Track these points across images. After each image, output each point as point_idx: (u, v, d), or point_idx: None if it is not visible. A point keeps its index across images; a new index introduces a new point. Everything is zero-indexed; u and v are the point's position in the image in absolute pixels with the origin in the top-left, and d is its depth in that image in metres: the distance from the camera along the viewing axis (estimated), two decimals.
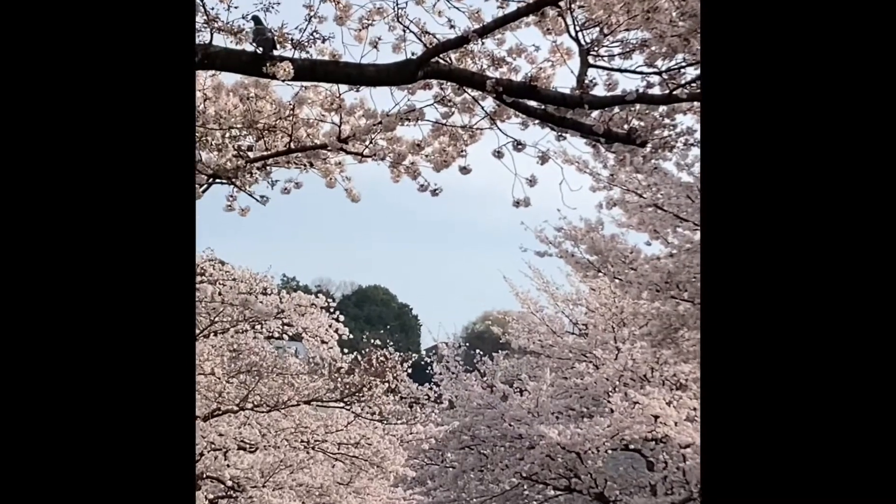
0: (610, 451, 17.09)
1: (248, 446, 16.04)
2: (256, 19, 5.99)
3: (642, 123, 6.42)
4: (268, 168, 7.03)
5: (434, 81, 6.60)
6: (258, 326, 15.79)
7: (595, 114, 6.38)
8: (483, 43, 6.38)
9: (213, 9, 5.87)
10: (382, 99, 15.50)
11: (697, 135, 6.22)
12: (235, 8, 5.91)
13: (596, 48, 6.43)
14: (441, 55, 6.26)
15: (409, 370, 17.81)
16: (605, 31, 6.39)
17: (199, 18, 5.89)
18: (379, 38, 6.47)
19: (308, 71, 6.14)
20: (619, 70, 6.36)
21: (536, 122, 6.58)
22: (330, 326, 16.52)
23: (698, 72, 5.81)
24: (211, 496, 16.46)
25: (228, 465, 15.71)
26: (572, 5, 6.27)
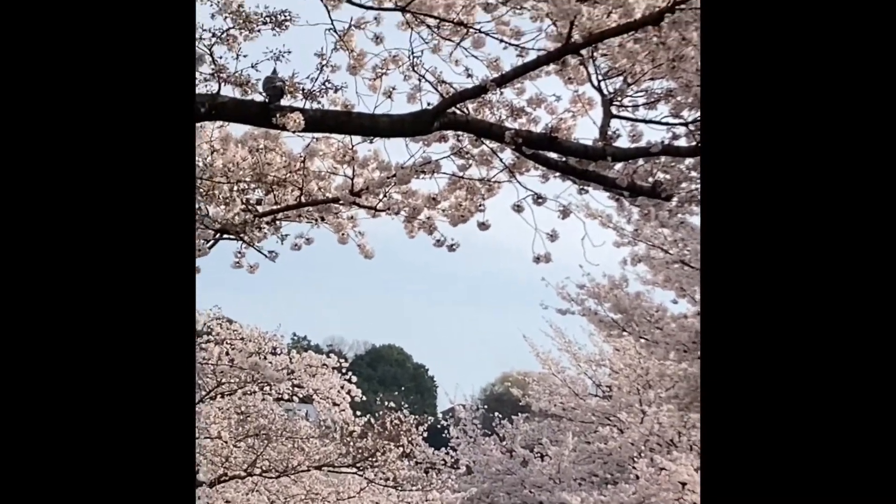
0: None
1: None
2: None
3: (668, 176, 6.18)
4: (277, 223, 6.83)
5: (451, 133, 6.42)
6: (267, 388, 15.52)
7: (618, 166, 6.15)
8: (502, 93, 6.21)
9: (220, 58, 5.67)
10: (397, 151, 15.32)
11: None
12: (244, 57, 5.72)
13: (619, 98, 6.23)
14: (458, 105, 6.06)
15: (425, 434, 17.54)
16: (629, 80, 6.19)
17: (207, 68, 5.71)
18: (393, 88, 6.31)
19: (319, 122, 5.94)
20: (644, 121, 6.16)
21: (557, 174, 6.38)
22: (342, 388, 16.26)
23: None
24: None
25: None
26: (594, 54, 6.08)
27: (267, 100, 5.76)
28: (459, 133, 6.41)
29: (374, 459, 16.20)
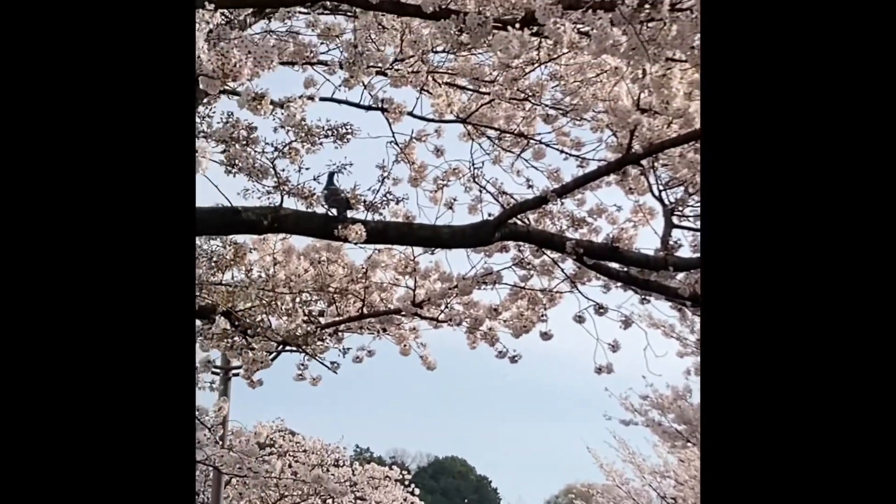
0: None
1: None
2: (330, 180, 5.85)
3: None
4: (340, 334, 6.83)
5: (512, 243, 6.42)
6: (330, 501, 15.37)
7: (680, 276, 6.09)
8: (562, 203, 6.20)
9: (283, 171, 5.74)
10: (458, 262, 15.35)
11: None
12: (306, 170, 5.77)
13: (680, 208, 6.20)
14: (519, 216, 6.05)
15: None
16: (690, 189, 6.17)
17: (270, 181, 5.77)
18: (454, 199, 6.34)
19: (381, 233, 5.94)
20: None
21: (619, 284, 6.34)
22: (405, 500, 16.11)
23: None
24: None
25: None
26: (655, 164, 6.08)
27: (329, 212, 5.79)
28: (521, 243, 6.40)
29: None
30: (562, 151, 6.32)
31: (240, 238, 6.32)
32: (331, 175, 5.83)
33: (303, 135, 5.35)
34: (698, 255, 6.06)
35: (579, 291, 6.44)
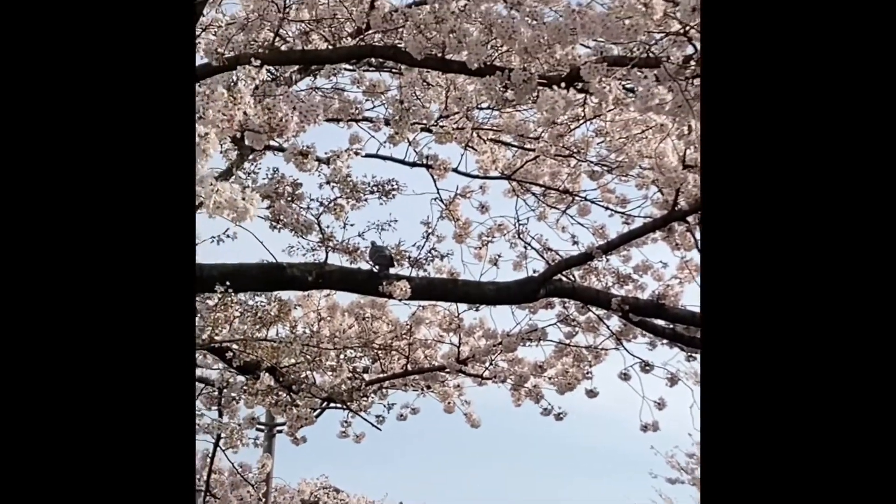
0: None
1: None
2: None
3: None
4: (384, 391, 6.81)
5: (557, 300, 6.40)
6: None
7: None
8: (608, 259, 6.18)
9: (328, 227, 5.75)
10: (503, 318, 15.35)
11: None
12: (351, 225, 5.79)
13: None
14: (564, 272, 6.03)
15: None
16: None
17: (315, 237, 5.78)
18: (499, 256, 6.35)
19: (426, 290, 5.94)
20: None
21: (665, 341, 6.29)
22: None
23: None
24: None
25: None
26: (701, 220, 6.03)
27: (373, 268, 5.80)
28: (566, 300, 6.38)
29: None
30: (607, 208, 6.30)
31: (284, 294, 6.33)
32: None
33: (348, 191, 5.37)
34: None
35: (625, 349, 6.41)
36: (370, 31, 4.90)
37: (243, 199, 3.13)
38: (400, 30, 4.77)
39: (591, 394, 6.54)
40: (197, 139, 2.96)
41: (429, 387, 6.96)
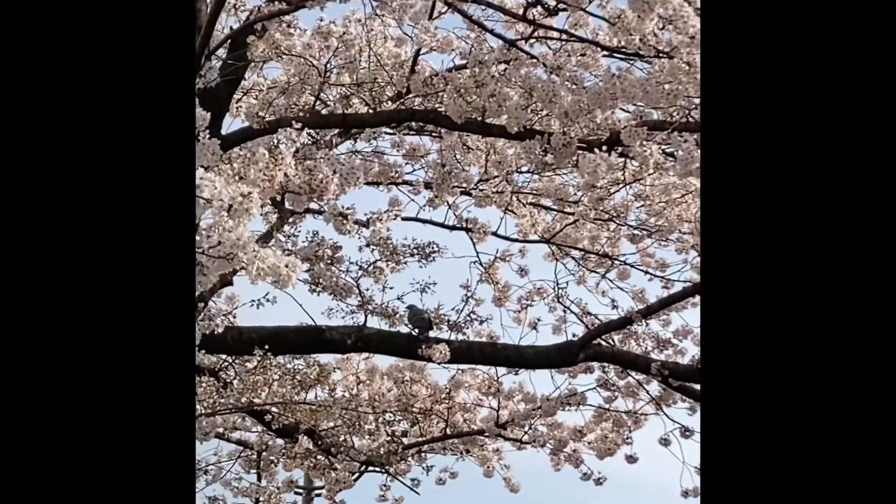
0: None
1: None
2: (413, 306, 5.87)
3: None
4: (423, 455, 6.77)
5: (596, 364, 6.36)
6: None
7: None
8: (647, 324, 6.15)
9: (367, 290, 5.77)
10: (542, 382, 15.25)
11: None
12: (391, 288, 5.80)
13: None
14: (603, 337, 6.01)
15: None
16: None
17: (354, 300, 5.81)
18: (538, 320, 6.34)
19: (465, 353, 5.94)
20: None
21: None
22: None
23: None
24: None
25: None
26: None
27: (412, 331, 5.79)
28: (605, 365, 6.35)
29: None
30: (647, 272, 6.29)
31: (324, 357, 6.34)
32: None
33: (387, 254, 5.39)
34: None
35: (665, 414, 6.36)
36: (410, 95, 4.94)
37: (286, 266, 3.14)
38: (440, 94, 4.81)
39: (631, 459, 6.49)
40: (239, 199, 2.97)
41: (468, 451, 6.90)
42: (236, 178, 3.31)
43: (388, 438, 6.47)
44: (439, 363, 5.74)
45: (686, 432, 6.23)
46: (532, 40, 4.56)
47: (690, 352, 6.21)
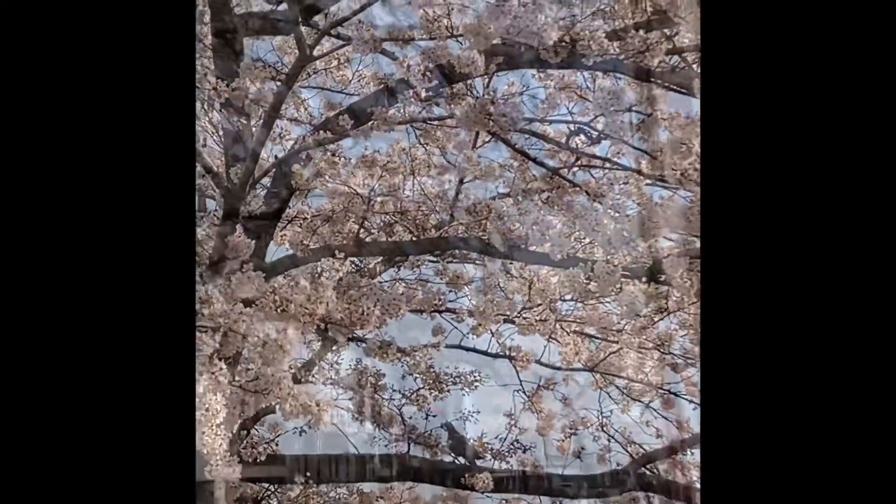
0: None
1: None
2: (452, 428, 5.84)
3: None
4: None
5: (641, 494, 6.26)
6: None
7: None
8: (692, 453, 6.05)
9: (410, 418, 5.75)
10: None
11: None
12: (433, 417, 5.77)
13: None
14: (648, 466, 5.93)
15: None
16: None
17: (397, 429, 5.78)
18: (583, 448, 6.24)
19: (509, 483, 5.86)
20: None
21: None
22: None
23: None
24: None
25: None
26: None
27: (456, 460, 5.75)
28: (650, 494, 6.24)
29: None
30: (691, 401, 6.21)
31: (366, 487, 6.28)
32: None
33: (430, 382, 5.37)
34: None
35: None
36: (454, 223, 4.97)
37: (317, 404, 3.15)
38: (483, 221, 4.84)
39: None
40: (275, 334, 3.00)
41: None
42: (278, 310, 3.33)
43: None
44: (483, 493, 5.69)
45: None
46: (575, 168, 4.59)
47: None
